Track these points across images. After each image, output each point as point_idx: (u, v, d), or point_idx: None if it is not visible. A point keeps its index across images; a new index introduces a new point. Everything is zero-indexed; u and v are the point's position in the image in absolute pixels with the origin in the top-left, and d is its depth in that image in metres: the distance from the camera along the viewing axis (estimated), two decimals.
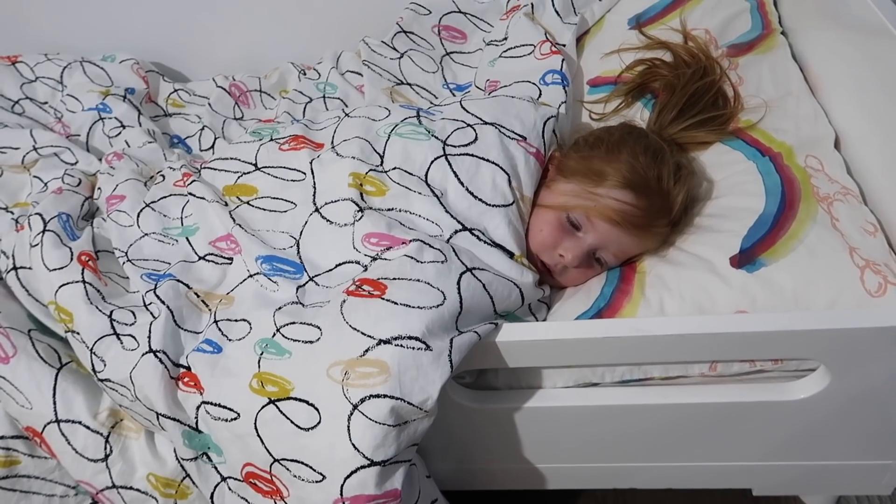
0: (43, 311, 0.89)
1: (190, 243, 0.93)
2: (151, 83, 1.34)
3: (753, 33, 1.11)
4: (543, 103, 1.02)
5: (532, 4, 1.23)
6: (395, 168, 0.89)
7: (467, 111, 0.95)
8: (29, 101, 1.28)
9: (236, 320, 0.81)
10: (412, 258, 0.79)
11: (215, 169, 1.00)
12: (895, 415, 0.81)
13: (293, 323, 0.77)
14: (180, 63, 1.47)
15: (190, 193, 0.96)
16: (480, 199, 0.87)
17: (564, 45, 1.16)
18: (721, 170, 0.96)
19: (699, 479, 0.94)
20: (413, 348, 0.71)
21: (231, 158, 1.00)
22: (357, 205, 0.85)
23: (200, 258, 0.91)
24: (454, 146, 0.90)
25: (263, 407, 0.73)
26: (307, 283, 0.84)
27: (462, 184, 0.88)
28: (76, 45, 1.39)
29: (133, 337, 0.81)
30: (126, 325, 0.83)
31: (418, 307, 0.74)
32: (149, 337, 0.79)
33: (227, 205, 0.94)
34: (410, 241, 0.81)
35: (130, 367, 0.78)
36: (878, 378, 0.77)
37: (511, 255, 0.86)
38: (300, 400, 0.72)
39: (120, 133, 1.19)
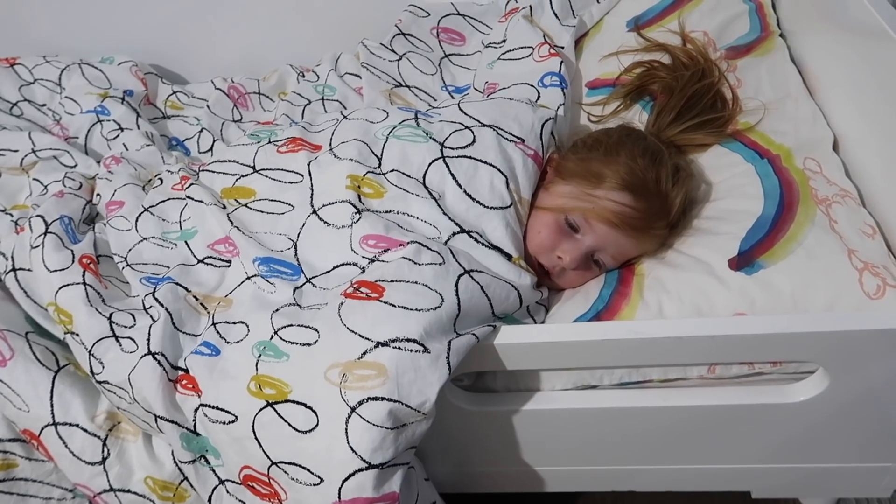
0: (41, 313, 0.89)
1: (188, 247, 0.93)
2: (150, 85, 1.34)
3: (752, 35, 1.11)
4: (542, 105, 1.02)
5: (531, 7, 1.23)
6: (392, 170, 0.89)
7: (465, 113, 0.95)
8: (27, 104, 1.28)
9: (234, 323, 0.81)
10: (410, 260, 0.79)
11: (213, 172, 1.00)
12: (894, 417, 0.81)
13: (291, 325, 0.77)
14: (179, 65, 1.47)
15: (188, 197, 0.96)
16: (478, 202, 0.87)
17: (563, 48, 1.16)
18: (719, 172, 0.96)
19: (698, 482, 0.94)
20: (411, 351, 0.71)
21: (229, 161, 1.00)
22: (355, 207, 0.85)
23: (199, 261, 0.91)
24: (452, 148, 0.90)
25: (261, 409, 0.73)
26: (304, 284, 0.84)
27: (460, 186, 0.88)
28: (74, 47, 1.39)
29: (132, 339, 0.81)
30: (125, 327, 0.83)
31: (416, 309, 0.74)
32: (148, 339, 0.79)
33: (225, 207, 0.94)
34: (408, 243, 0.81)
35: (129, 369, 0.78)
36: (877, 380, 0.77)
37: (509, 257, 0.86)
38: (298, 403, 0.72)
39: (118, 136, 1.19)
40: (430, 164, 0.89)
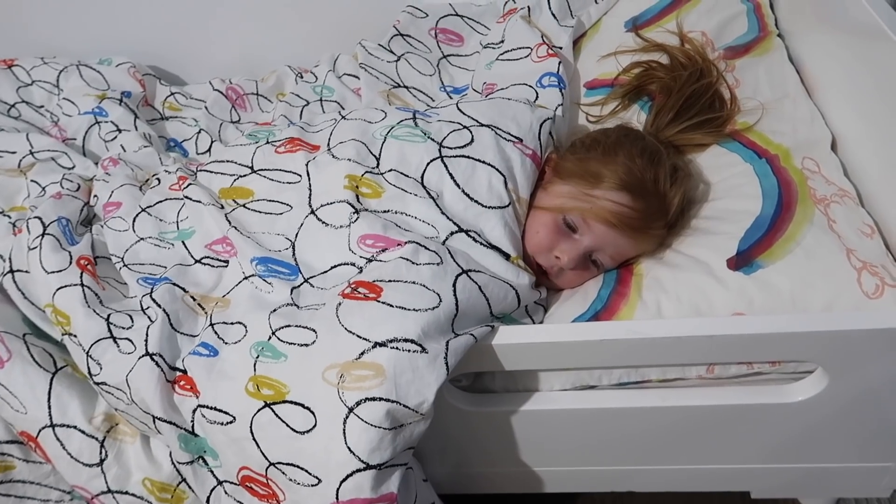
0: (39, 314, 0.89)
1: (186, 247, 0.93)
2: (148, 86, 1.34)
3: (750, 36, 1.12)
4: (540, 106, 1.02)
5: (529, 7, 1.24)
6: (391, 170, 0.89)
7: (463, 113, 0.95)
8: (25, 105, 1.28)
9: (232, 323, 0.81)
10: (408, 260, 0.79)
11: (211, 172, 0.99)
12: (893, 416, 0.81)
13: (289, 326, 0.76)
14: (177, 66, 1.47)
15: (186, 197, 0.96)
16: (476, 201, 0.87)
17: (561, 48, 1.16)
18: (718, 172, 0.96)
19: (697, 482, 0.94)
20: (409, 351, 0.71)
21: (227, 161, 1.00)
22: (353, 206, 0.85)
23: (196, 261, 0.91)
24: (450, 148, 0.90)
25: (259, 410, 0.73)
26: (302, 284, 0.84)
27: (458, 185, 0.87)
28: (72, 49, 1.39)
29: (130, 340, 0.81)
30: (123, 328, 0.83)
31: (414, 310, 0.74)
32: (145, 340, 0.79)
33: (223, 207, 0.94)
34: (406, 242, 0.81)
35: (127, 371, 0.78)
36: (876, 380, 0.76)
37: (507, 256, 0.86)
38: (296, 403, 0.72)
39: (116, 137, 1.19)
40: (428, 164, 0.89)
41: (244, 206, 0.93)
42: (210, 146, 1.23)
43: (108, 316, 0.84)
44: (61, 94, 1.29)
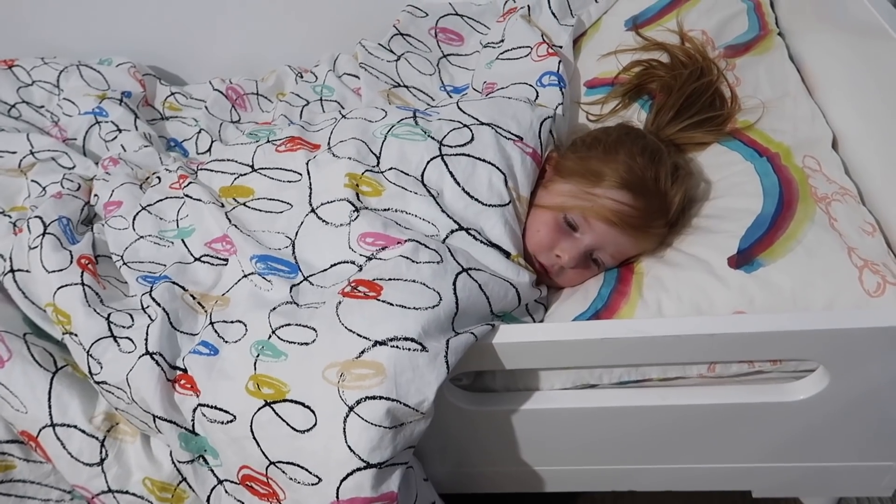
0: (39, 314, 0.89)
1: (185, 245, 0.93)
2: (148, 86, 1.34)
3: (750, 34, 1.11)
4: (540, 104, 1.02)
5: (529, 7, 1.24)
6: (391, 168, 0.89)
7: (464, 112, 0.95)
8: (25, 105, 1.28)
9: (232, 322, 0.81)
10: (408, 258, 0.79)
11: (212, 170, 1.00)
12: (894, 415, 0.81)
13: (289, 324, 0.76)
14: (177, 66, 1.47)
15: (186, 195, 0.96)
16: (476, 199, 0.87)
17: (561, 47, 1.16)
18: (719, 170, 0.96)
19: (698, 481, 0.94)
20: (409, 350, 0.71)
21: (228, 160, 1.00)
22: (353, 205, 0.85)
23: (196, 259, 0.91)
24: (450, 146, 0.90)
25: (259, 409, 0.73)
26: (301, 282, 0.84)
27: (458, 184, 0.87)
28: (73, 49, 1.39)
29: (130, 339, 0.81)
30: (123, 327, 0.83)
31: (414, 308, 0.73)
32: (146, 339, 0.79)
33: (223, 206, 0.94)
34: (406, 240, 0.81)
35: (127, 370, 0.78)
36: (877, 378, 0.76)
37: (507, 254, 0.85)
38: (296, 402, 0.72)
39: (116, 137, 1.19)
40: (428, 162, 0.89)
41: (244, 204, 0.93)
42: (210, 146, 1.23)
43: (109, 315, 0.84)
44: (61, 94, 1.29)
